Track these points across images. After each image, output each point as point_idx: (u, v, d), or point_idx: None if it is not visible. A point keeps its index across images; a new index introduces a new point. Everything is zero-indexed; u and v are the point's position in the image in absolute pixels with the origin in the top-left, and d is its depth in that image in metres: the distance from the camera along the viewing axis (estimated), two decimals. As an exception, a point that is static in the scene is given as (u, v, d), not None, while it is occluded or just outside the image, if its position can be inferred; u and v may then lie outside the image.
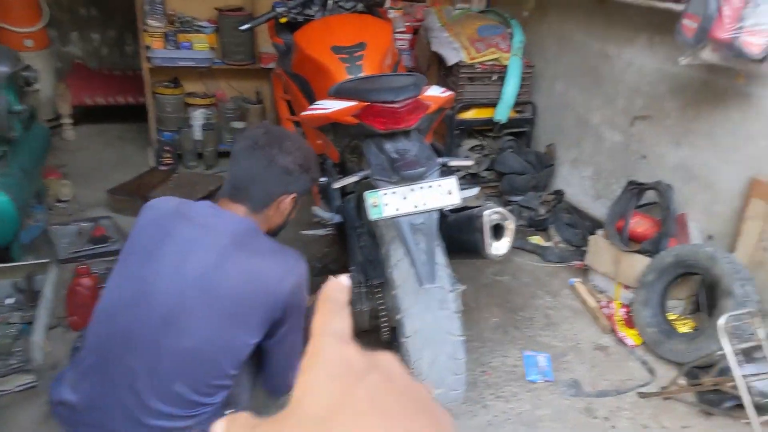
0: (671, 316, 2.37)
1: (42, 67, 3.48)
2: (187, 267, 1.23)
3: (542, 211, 3.26)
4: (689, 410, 2.03)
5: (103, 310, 1.28)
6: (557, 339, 2.37)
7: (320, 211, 2.03)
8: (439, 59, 3.43)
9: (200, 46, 3.56)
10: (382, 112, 1.67)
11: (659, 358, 2.27)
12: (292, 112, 2.62)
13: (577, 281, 2.70)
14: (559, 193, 3.32)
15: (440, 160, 1.71)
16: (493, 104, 3.31)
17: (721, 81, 2.35)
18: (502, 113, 3.30)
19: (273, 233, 1.47)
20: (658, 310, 2.34)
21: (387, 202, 1.57)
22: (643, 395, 2.08)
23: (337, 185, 1.74)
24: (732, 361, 1.81)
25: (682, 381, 2.08)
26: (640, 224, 2.53)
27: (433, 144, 2.15)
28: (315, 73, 2.18)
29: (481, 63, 3.25)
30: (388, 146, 1.69)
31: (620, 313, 2.47)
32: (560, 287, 2.72)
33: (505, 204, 3.37)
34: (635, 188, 2.60)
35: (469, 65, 3.23)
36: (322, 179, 1.98)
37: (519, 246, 2.95)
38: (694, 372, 2.09)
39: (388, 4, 2.77)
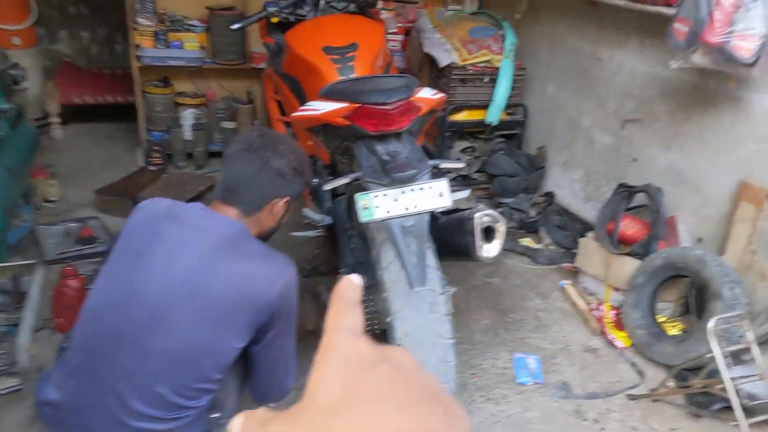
0: (660, 319, 2.38)
1: (30, 66, 3.45)
2: (175, 268, 1.22)
3: (533, 213, 3.27)
4: (678, 412, 2.04)
5: (90, 310, 1.28)
6: (547, 341, 2.37)
7: (311, 213, 2.02)
8: (431, 61, 3.43)
9: (191, 45, 3.53)
10: (374, 114, 1.66)
11: (648, 361, 2.28)
12: (283, 113, 2.61)
13: (567, 283, 2.71)
14: (549, 196, 3.33)
15: (431, 162, 1.71)
16: (484, 106, 3.32)
17: (711, 85, 2.37)
18: (494, 115, 3.30)
19: (265, 237, 1.47)
20: (647, 312, 2.35)
21: (378, 205, 1.56)
22: (632, 397, 2.09)
23: (327, 187, 1.73)
24: (721, 363, 1.82)
25: (671, 383, 2.09)
26: (629, 227, 2.54)
27: (424, 146, 2.15)
28: (306, 74, 2.17)
29: (472, 65, 3.25)
30: (380, 148, 1.68)
31: (610, 315, 2.47)
32: (550, 289, 2.73)
33: (496, 206, 3.37)
34: (625, 191, 2.61)
35: (460, 67, 3.23)
36: (313, 181, 1.97)
37: (509, 248, 2.96)
38: (683, 374, 2.10)
39: (380, 4, 2.75)
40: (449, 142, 3.40)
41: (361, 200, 1.55)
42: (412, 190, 1.59)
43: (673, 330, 2.35)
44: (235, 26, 2.40)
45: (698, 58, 2.11)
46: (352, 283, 0.36)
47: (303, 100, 2.16)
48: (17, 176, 2.48)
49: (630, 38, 2.77)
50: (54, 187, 3.08)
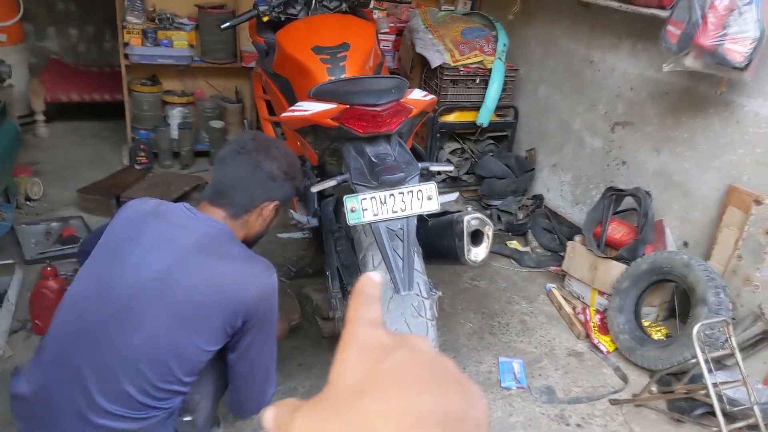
0: (645, 323, 2.39)
1: (16, 63, 3.40)
2: (150, 265, 1.22)
3: (521, 215, 3.27)
4: (660, 417, 2.05)
5: (64, 305, 1.28)
6: (532, 345, 2.37)
7: (297, 214, 2.00)
8: (422, 61, 3.42)
9: (180, 44, 3.50)
10: (363, 116, 1.64)
11: (632, 365, 2.28)
12: (272, 113, 2.59)
13: (553, 287, 2.71)
14: (538, 198, 3.34)
15: (421, 165, 1.70)
16: (475, 107, 3.32)
17: (702, 88, 2.38)
18: (485, 117, 3.30)
19: (251, 242, 1.46)
20: (632, 316, 2.35)
21: (366, 207, 1.55)
22: (614, 402, 2.09)
23: (315, 189, 1.71)
24: (703, 369, 1.82)
25: (654, 388, 2.10)
26: (617, 230, 2.55)
27: (413, 147, 2.14)
28: (296, 74, 2.15)
29: (464, 66, 3.25)
30: (368, 150, 1.66)
31: (595, 319, 2.48)
32: (537, 293, 2.73)
33: (484, 208, 3.37)
34: (613, 194, 2.62)
35: (452, 68, 3.23)
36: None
37: (497, 251, 2.96)
38: (667, 379, 2.11)
39: (372, 4, 2.74)
40: (439, 144, 3.40)
41: (349, 203, 1.54)
42: (401, 193, 1.58)
43: (657, 334, 2.36)
44: (225, 25, 2.38)
45: (690, 62, 2.12)
46: (372, 280, 0.38)
47: (293, 101, 2.14)
48: (-1, 174, 2.44)
49: (623, 41, 2.78)
50: (37, 186, 3.04)
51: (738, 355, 1.87)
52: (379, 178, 1.57)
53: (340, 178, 1.67)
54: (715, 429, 1.87)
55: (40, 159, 3.51)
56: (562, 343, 2.41)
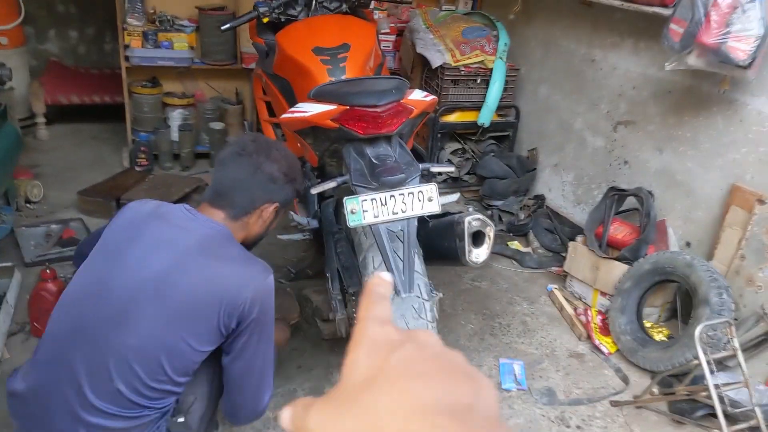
0: (647, 324, 2.37)
1: (17, 65, 3.40)
2: (149, 265, 1.22)
3: (522, 216, 3.26)
4: (661, 419, 2.03)
5: (62, 304, 1.28)
6: (533, 346, 2.36)
7: (297, 216, 2.00)
8: (423, 61, 3.41)
9: (180, 46, 3.50)
10: (363, 117, 1.64)
11: (634, 366, 2.27)
12: (272, 114, 2.58)
13: (555, 287, 2.70)
14: (539, 198, 3.33)
15: (422, 165, 1.69)
16: (476, 107, 3.31)
17: (705, 87, 2.37)
18: (486, 117, 3.29)
19: (251, 243, 1.46)
20: (633, 317, 2.34)
21: (366, 209, 1.54)
22: (615, 404, 2.08)
23: (315, 190, 1.71)
24: (705, 370, 1.81)
25: (655, 389, 2.08)
26: (619, 231, 2.53)
27: (414, 148, 2.13)
28: (296, 75, 2.15)
29: (465, 65, 3.24)
30: (369, 151, 1.66)
31: (597, 320, 2.47)
32: (538, 293, 2.72)
33: (485, 208, 3.36)
34: (615, 194, 2.61)
35: (453, 68, 3.22)
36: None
37: (498, 251, 2.95)
38: (668, 380, 2.10)
39: (373, 5, 2.73)
40: (440, 144, 3.39)
41: (349, 204, 1.54)
42: (401, 194, 1.57)
43: (659, 335, 2.34)
44: (225, 27, 2.37)
45: (693, 60, 2.10)
46: (382, 280, 0.39)
47: (293, 102, 2.14)
48: (-1, 176, 2.44)
49: (624, 39, 2.77)
50: (37, 188, 3.04)
51: (740, 357, 1.86)
52: (380, 179, 1.56)
53: (340, 179, 1.67)
54: (716, 431, 1.86)
55: (41, 161, 3.51)
56: (563, 344, 2.39)
